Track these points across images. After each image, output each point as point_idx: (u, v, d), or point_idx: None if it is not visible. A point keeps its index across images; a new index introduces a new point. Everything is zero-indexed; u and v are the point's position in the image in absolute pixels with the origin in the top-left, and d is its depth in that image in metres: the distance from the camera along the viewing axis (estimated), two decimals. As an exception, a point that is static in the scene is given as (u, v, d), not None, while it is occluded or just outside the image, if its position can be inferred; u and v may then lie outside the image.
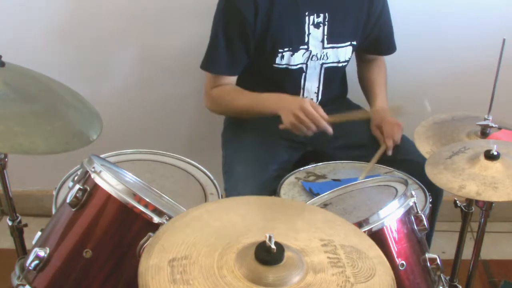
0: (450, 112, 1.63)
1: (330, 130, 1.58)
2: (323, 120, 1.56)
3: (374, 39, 1.80)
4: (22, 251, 1.53)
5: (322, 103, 1.78)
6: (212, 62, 1.72)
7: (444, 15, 2.01)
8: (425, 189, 1.52)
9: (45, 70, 1.47)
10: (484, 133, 1.47)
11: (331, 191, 1.44)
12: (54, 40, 2.04)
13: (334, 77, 1.81)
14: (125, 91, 2.14)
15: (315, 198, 1.44)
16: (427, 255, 1.25)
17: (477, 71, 2.04)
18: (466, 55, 2.07)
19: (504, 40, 1.39)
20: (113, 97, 2.14)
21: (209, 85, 1.77)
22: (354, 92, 1.96)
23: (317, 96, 1.80)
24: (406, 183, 1.31)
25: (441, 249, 1.95)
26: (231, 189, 1.63)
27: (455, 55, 2.07)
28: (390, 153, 1.69)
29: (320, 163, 1.68)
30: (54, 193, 1.45)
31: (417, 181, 1.55)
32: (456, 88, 2.12)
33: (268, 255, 0.85)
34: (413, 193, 1.27)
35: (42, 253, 1.14)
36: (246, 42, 1.67)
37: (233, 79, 1.76)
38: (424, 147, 1.49)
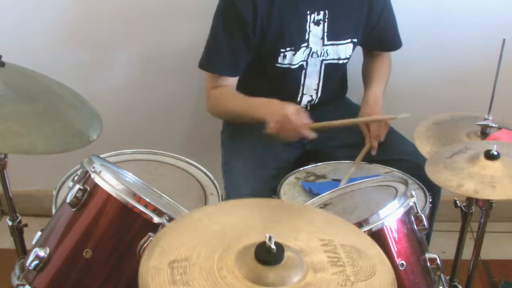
0: (450, 112, 1.63)
1: (312, 136, 1.59)
2: (304, 127, 1.57)
3: (377, 37, 1.79)
4: (22, 251, 1.52)
5: (322, 101, 1.79)
6: (212, 61, 1.70)
7: (444, 15, 2.01)
8: (425, 189, 1.52)
9: (45, 70, 1.47)
10: (484, 133, 1.47)
11: (331, 191, 1.44)
12: (54, 40, 2.04)
13: (334, 74, 1.81)
14: (125, 91, 2.14)
15: (315, 198, 1.44)
16: (427, 255, 1.25)
17: (477, 71, 2.04)
18: (466, 55, 2.06)
19: (504, 40, 1.39)
20: (113, 97, 2.13)
21: (208, 86, 1.75)
22: (354, 92, 1.96)
23: (317, 93, 1.80)
24: (406, 183, 1.31)
25: (441, 249, 1.95)
26: (231, 187, 1.63)
27: (455, 55, 2.07)
28: (374, 153, 1.69)
29: (320, 163, 1.68)
30: (54, 193, 1.45)
31: (417, 181, 1.55)
32: (456, 88, 2.11)
33: (268, 255, 0.85)
34: (413, 193, 1.27)
35: (42, 253, 1.14)
36: (247, 41, 1.65)
37: (233, 80, 1.73)
38: (424, 147, 1.49)
